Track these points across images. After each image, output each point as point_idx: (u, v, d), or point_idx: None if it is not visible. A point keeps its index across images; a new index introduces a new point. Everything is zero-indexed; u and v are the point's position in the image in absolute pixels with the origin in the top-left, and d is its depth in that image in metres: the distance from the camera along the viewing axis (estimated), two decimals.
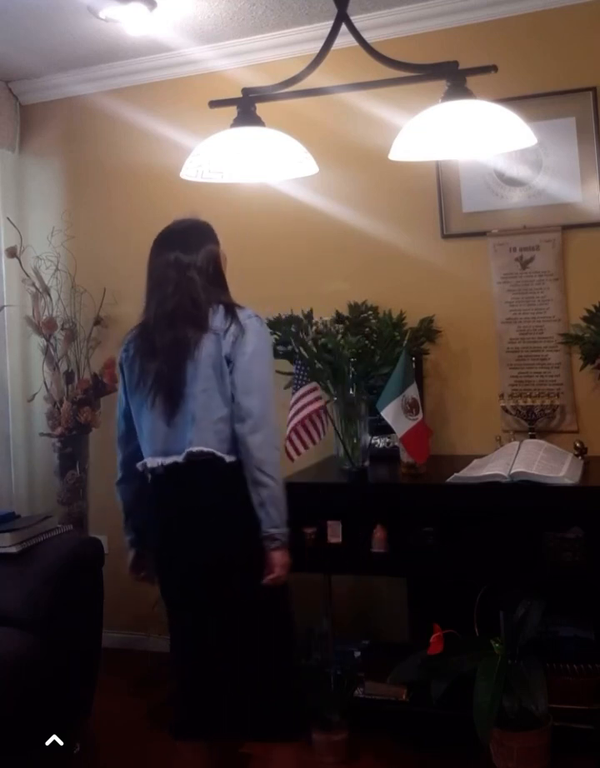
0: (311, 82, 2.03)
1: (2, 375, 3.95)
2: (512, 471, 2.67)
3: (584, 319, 3.04)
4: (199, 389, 2.19)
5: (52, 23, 3.23)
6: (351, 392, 3.07)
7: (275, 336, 3.14)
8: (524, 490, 2.64)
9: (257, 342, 2.21)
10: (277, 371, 2.90)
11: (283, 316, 3.22)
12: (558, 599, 2.71)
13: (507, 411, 3.16)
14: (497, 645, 2.64)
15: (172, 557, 2.29)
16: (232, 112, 2.08)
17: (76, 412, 3.64)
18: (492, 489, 2.67)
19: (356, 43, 2.02)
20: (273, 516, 2.16)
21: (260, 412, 2.17)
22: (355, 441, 3.06)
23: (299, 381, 2.96)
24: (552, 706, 2.56)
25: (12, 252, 3.76)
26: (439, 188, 3.28)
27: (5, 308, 3.92)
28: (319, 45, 2.02)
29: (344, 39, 2.05)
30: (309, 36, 3.28)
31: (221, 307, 2.24)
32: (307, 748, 2.70)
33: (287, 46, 3.39)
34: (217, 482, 2.21)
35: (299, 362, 3.00)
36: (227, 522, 2.20)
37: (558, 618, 2.85)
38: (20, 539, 2.89)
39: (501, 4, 3.15)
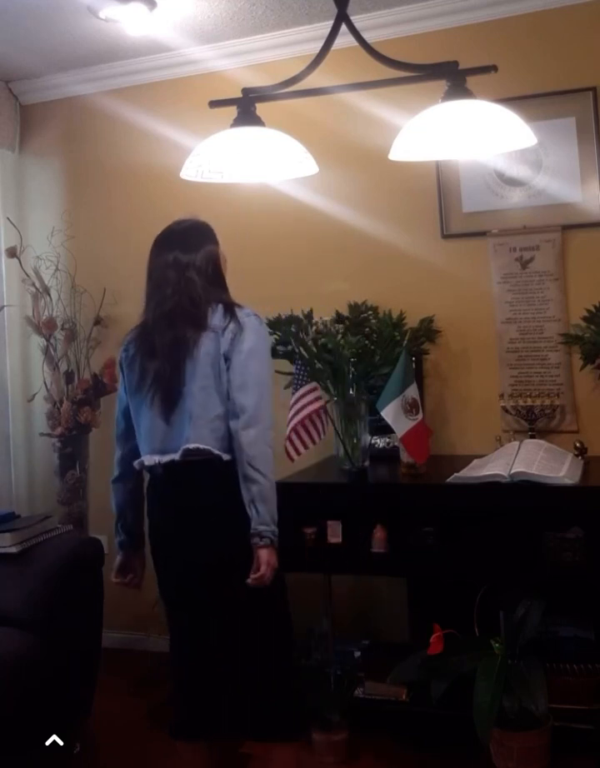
0: (311, 82, 2.03)
1: (2, 375, 3.95)
2: (512, 471, 2.67)
3: (584, 319, 3.04)
4: (197, 387, 2.19)
5: (52, 23, 3.23)
6: (351, 392, 3.07)
7: (275, 336, 3.14)
8: (524, 490, 2.64)
9: (254, 340, 2.21)
10: (277, 371, 2.90)
11: (283, 316, 3.22)
12: (558, 599, 2.71)
13: (507, 411, 3.16)
14: (497, 645, 2.64)
15: (169, 557, 2.30)
16: (232, 112, 2.07)
17: (76, 412, 3.64)
18: (492, 489, 2.67)
19: (356, 43, 2.02)
20: (262, 514, 2.15)
21: (254, 409, 2.17)
22: (355, 441, 3.06)
23: (299, 381, 2.96)
24: (552, 706, 2.56)
25: (12, 252, 3.76)
26: (439, 188, 3.28)
27: (5, 308, 3.92)
28: (319, 45, 2.01)
29: (344, 39, 2.04)
30: (309, 36, 3.28)
31: (220, 306, 2.25)
32: (307, 748, 2.71)
33: (287, 46, 3.39)
34: (215, 481, 2.21)
35: (299, 362, 3.00)
36: (226, 521, 2.20)
37: (558, 618, 2.85)
38: (20, 539, 2.89)
39: (501, 4, 3.15)
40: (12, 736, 2.49)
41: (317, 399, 2.97)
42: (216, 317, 2.23)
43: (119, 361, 2.39)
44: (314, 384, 2.98)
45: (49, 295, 3.76)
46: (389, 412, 2.83)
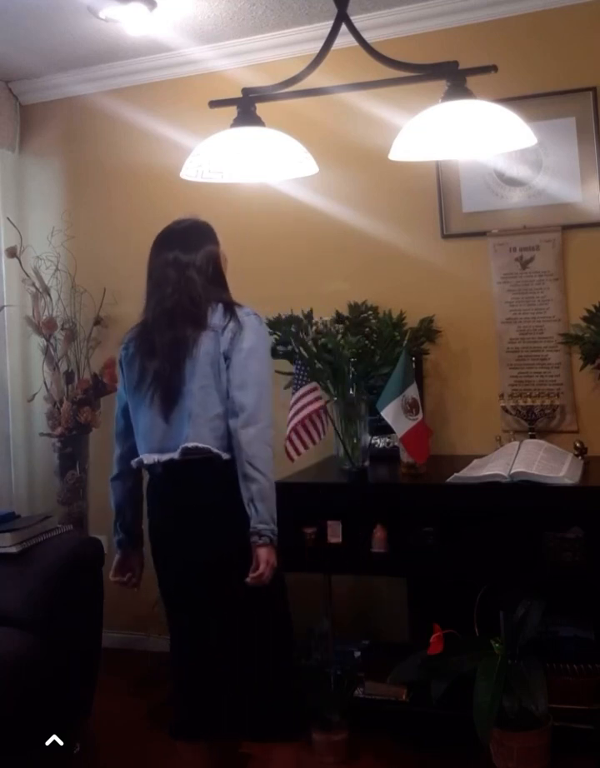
0: (311, 82, 2.03)
1: (2, 375, 3.95)
2: (512, 471, 2.67)
3: (584, 319, 3.04)
4: (197, 386, 2.20)
5: (52, 23, 3.23)
6: (351, 392, 3.07)
7: (275, 336, 3.14)
8: (524, 490, 2.64)
9: (254, 339, 2.22)
10: (277, 371, 2.90)
11: (283, 316, 3.22)
12: (558, 599, 2.71)
13: (507, 411, 3.16)
14: (497, 645, 2.64)
15: (168, 555, 2.30)
16: (232, 112, 2.08)
17: (76, 412, 3.64)
18: (492, 489, 2.67)
19: (356, 43, 2.02)
20: (261, 512, 2.15)
21: (253, 407, 2.17)
22: (355, 441, 3.06)
23: (299, 381, 2.96)
24: (552, 706, 2.56)
25: (12, 252, 3.76)
26: (439, 188, 3.28)
27: (5, 308, 3.92)
28: (319, 45, 2.01)
29: (344, 39, 2.04)
30: (309, 36, 3.28)
31: (220, 305, 2.25)
32: (307, 748, 2.71)
33: (287, 46, 3.39)
34: (215, 480, 2.21)
35: (299, 362, 3.00)
36: (226, 520, 2.21)
37: (558, 618, 2.85)
38: (20, 539, 2.89)
39: (501, 4, 3.15)
40: (12, 736, 2.49)
41: (317, 399, 2.97)
42: (216, 316, 2.23)
43: (119, 359, 2.40)
44: (314, 384, 2.98)
45: (49, 295, 3.76)
46: (389, 412, 2.83)
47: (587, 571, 2.63)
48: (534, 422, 3.10)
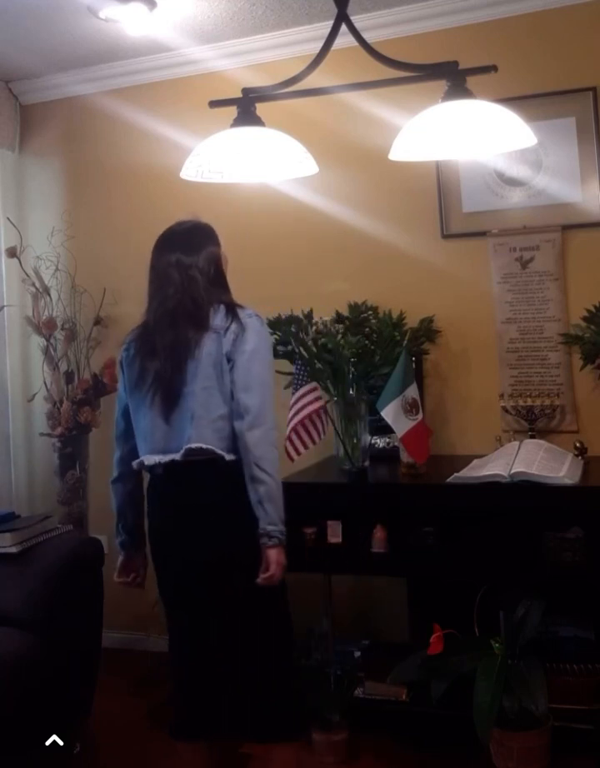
0: (311, 82, 2.03)
1: (2, 375, 3.95)
2: (512, 471, 2.67)
3: (584, 319, 3.04)
4: (199, 387, 2.20)
5: (52, 23, 3.23)
6: (351, 392, 3.07)
7: (275, 336, 3.14)
8: (524, 490, 2.64)
9: (257, 341, 2.22)
10: (278, 371, 2.90)
11: (283, 316, 3.22)
12: (558, 599, 2.71)
13: (507, 411, 3.16)
14: (497, 645, 2.64)
15: (168, 555, 2.30)
16: (232, 112, 2.08)
17: (76, 412, 3.64)
18: (492, 489, 2.67)
19: (356, 43, 2.02)
20: (270, 513, 2.16)
21: (259, 409, 2.18)
22: (355, 441, 3.06)
23: (299, 381, 2.96)
24: (552, 706, 2.56)
25: (12, 252, 3.76)
26: (439, 188, 3.28)
27: (5, 308, 3.92)
28: (319, 45, 2.01)
29: (344, 39, 2.05)
30: (309, 36, 3.28)
31: (222, 307, 2.25)
32: (307, 748, 2.71)
33: (287, 46, 3.39)
34: (217, 481, 2.21)
35: (299, 362, 3.00)
36: (227, 520, 2.21)
37: (558, 618, 2.85)
38: (20, 539, 2.89)
39: (501, 4, 3.15)
40: (12, 736, 2.49)
41: (317, 399, 2.97)
42: (218, 318, 2.23)
43: (119, 360, 2.40)
44: (314, 384, 2.98)
45: (49, 295, 3.76)
46: (389, 412, 2.83)
47: (587, 570, 2.63)
48: (534, 422, 3.10)
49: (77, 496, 3.68)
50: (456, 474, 2.80)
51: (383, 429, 3.08)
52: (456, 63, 1.89)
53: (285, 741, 2.30)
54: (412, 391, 2.92)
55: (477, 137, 1.91)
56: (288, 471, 3.01)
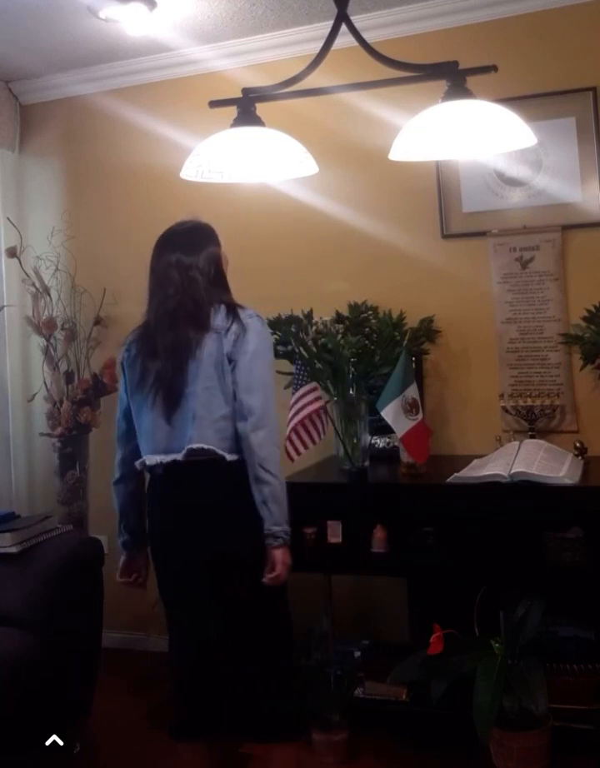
0: (311, 82, 2.03)
1: (2, 375, 3.95)
2: (512, 471, 2.67)
3: (584, 319, 3.04)
4: (201, 387, 2.20)
5: (52, 23, 3.23)
6: (351, 392, 3.07)
7: (275, 336, 3.13)
8: (524, 490, 2.64)
9: (258, 341, 2.22)
10: (278, 371, 2.90)
11: (283, 316, 3.22)
12: (558, 599, 2.71)
13: (507, 411, 3.16)
14: (497, 645, 2.64)
15: (168, 555, 2.30)
16: (232, 112, 2.07)
17: (76, 412, 3.64)
18: (492, 489, 2.67)
19: (356, 43, 2.02)
20: (275, 514, 2.17)
21: (262, 410, 2.18)
22: (355, 441, 3.06)
23: (299, 381, 2.96)
24: (552, 706, 2.56)
25: (12, 252, 3.76)
26: (439, 188, 3.28)
27: (5, 308, 3.92)
28: (319, 45, 2.01)
29: (344, 39, 2.04)
30: (309, 36, 3.28)
31: (222, 307, 2.25)
32: (307, 748, 2.71)
33: (287, 46, 3.39)
34: (218, 481, 2.22)
35: (299, 362, 3.00)
36: (228, 520, 2.21)
37: (558, 618, 2.85)
38: (20, 539, 2.89)
39: (501, 4, 3.15)
40: (12, 736, 2.49)
41: (317, 399, 2.97)
42: (218, 318, 2.23)
43: (120, 361, 2.39)
44: (314, 384, 2.98)
45: (49, 295, 3.76)
46: (389, 412, 2.83)
47: (587, 570, 2.63)
48: (534, 422, 3.10)
49: (77, 496, 3.68)
50: (456, 474, 2.80)
51: (383, 429, 3.08)
52: (456, 63, 1.89)
53: (285, 741, 2.30)
54: (412, 391, 2.92)
55: (477, 137, 1.91)
56: (288, 471, 3.00)
